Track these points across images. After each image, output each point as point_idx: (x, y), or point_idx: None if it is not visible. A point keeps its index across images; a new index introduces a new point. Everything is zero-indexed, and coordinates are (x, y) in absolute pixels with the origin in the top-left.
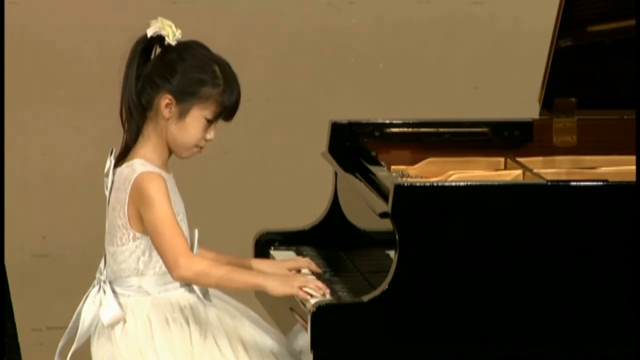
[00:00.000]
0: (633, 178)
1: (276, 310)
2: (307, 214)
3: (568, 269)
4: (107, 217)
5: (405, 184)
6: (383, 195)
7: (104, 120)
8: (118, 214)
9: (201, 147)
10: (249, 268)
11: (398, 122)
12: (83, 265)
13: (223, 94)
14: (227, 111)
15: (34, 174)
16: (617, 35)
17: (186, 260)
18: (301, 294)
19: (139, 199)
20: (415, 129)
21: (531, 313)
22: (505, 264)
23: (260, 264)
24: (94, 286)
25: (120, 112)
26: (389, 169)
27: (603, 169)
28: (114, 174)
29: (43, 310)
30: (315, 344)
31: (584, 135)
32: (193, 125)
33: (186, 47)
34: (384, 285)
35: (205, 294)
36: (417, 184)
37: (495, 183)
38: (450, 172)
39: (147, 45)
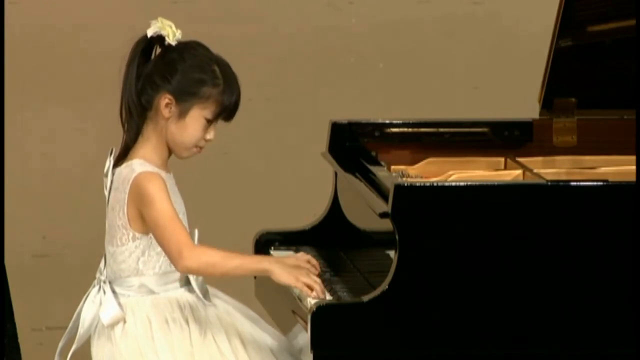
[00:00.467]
0: (633, 178)
1: (276, 310)
2: (307, 214)
3: (568, 269)
4: (106, 217)
5: (405, 184)
6: (383, 195)
7: (104, 120)
8: (117, 214)
9: (201, 147)
10: None
11: (398, 122)
12: (83, 265)
13: (223, 94)
14: (227, 111)
15: (34, 174)
16: (617, 35)
17: (190, 251)
18: (305, 289)
19: (138, 199)
20: (415, 129)
21: (531, 313)
22: (505, 264)
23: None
24: (94, 286)
25: (120, 112)
26: (389, 169)
27: (603, 169)
28: (113, 174)
29: (43, 310)
30: (315, 344)
31: (584, 135)
32: (193, 125)
33: (186, 47)
34: (384, 285)
35: (205, 294)
36: (417, 184)
37: (495, 183)
38: (450, 172)
39: (147, 45)
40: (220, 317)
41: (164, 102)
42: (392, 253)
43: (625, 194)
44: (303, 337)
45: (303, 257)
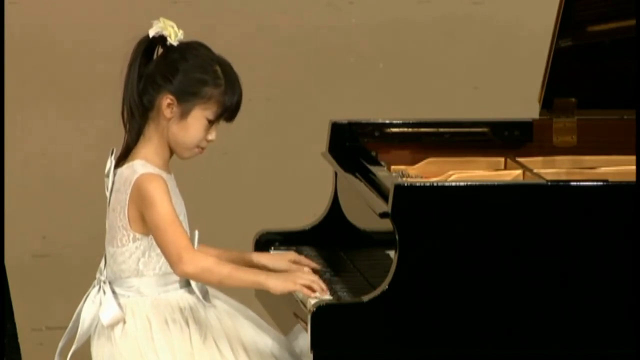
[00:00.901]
0: (633, 178)
1: (276, 310)
2: (307, 214)
3: (568, 269)
4: (107, 218)
5: (405, 184)
6: (383, 195)
7: (104, 120)
8: (118, 215)
9: (203, 148)
10: (250, 262)
11: (398, 122)
12: (83, 265)
13: (224, 94)
14: (228, 111)
15: (34, 173)
16: (617, 35)
17: (189, 255)
18: (305, 290)
19: (140, 200)
20: (415, 129)
21: (531, 313)
22: (505, 264)
23: (261, 257)
24: (94, 286)
25: (122, 112)
26: (389, 169)
27: (603, 169)
28: (114, 174)
29: (43, 310)
30: (315, 344)
31: (584, 135)
32: (194, 126)
33: (188, 48)
34: (384, 285)
35: (205, 295)
36: (417, 184)
37: (495, 183)
38: (450, 172)
39: (149, 45)
40: (220, 318)
41: (166, 102)
42: (392, 253)
43: (625, 194)
44: (303, 337)
45: (290, 257)
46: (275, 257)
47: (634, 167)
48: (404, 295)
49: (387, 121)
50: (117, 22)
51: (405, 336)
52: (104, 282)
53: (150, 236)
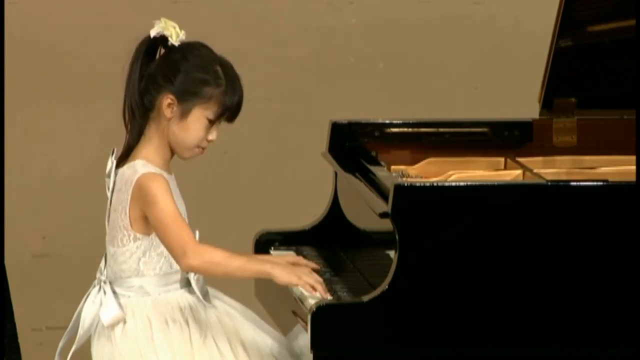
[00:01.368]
0: (633, 178)
1: (276, 310)
2: (307, 214)
3: (568, 269)
4: (108, 218)
5: (405, 184)
6: (383, 195)
7: (104, 120)
8: (119, 215)
9: (203, 148)
10: None
11: (398, 122)
12: (83, 265)
13: (225, 94)
14: (229, 111)
15: (34, 173)
16: (617, 35)
17: (194, 249)
18: (307, 287)
19: (141, 200)
20: (415, 129)
21: (531, 313)
22: (505, 264)
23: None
24: (94, 286)
25: (123, 112)
26: (389, 169)
27: (603, 169)
28: (115, 174)
29: (43, 310)
30: (315, 344)
31: (584, 135)
32: (194, 126)
33: (189, 48)
34: (384, 285)
35: (205, 295)
36: (417, 184)
37: (495, 183)
38: (450, 172)
39: (150, 45)
40: (220, 318)
41: (166, 102)
42: (392, 253)
43: (625, 194)
44: (303, 337)
45: (289, 258)
46: (275, 259)
47: (634, 167)
48: (404, 295)
49: (387, 121)
50: (118, 22)
51: (405, 336)
52: (105, 282)
53: (151, 236)
